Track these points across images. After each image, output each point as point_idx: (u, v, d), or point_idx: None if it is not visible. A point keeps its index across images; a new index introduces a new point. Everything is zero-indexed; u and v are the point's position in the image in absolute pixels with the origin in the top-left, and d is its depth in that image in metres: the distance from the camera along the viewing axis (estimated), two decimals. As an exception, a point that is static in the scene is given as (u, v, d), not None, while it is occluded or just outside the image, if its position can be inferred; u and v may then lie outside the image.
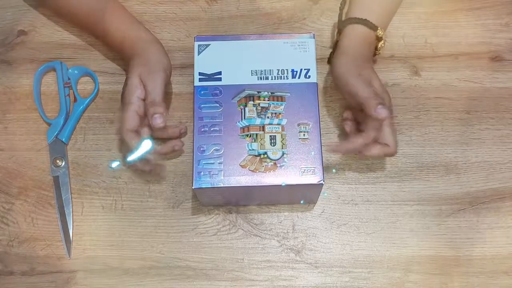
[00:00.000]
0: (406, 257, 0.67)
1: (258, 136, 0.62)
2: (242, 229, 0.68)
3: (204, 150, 0.62)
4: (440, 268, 0.66)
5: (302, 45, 0.66)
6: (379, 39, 0.70)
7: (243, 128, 0.63)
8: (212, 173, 0.61)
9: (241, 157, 0.61)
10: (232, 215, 0.69)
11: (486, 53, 0.76)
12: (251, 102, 0.64)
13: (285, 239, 0.68)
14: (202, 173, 0.61)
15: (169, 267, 0.66)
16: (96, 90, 0.73)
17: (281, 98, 0.64)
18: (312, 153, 0.62)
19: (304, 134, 0.62)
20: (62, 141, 0.71)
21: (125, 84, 0.67)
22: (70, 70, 0.74)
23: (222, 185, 0.60)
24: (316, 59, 0.66)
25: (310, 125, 0.63)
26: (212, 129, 0.62)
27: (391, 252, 0.67)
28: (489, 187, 0.70)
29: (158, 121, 0.63)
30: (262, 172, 0.61)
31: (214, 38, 0.67)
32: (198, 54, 0.66)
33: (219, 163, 0.61)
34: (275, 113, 0.63)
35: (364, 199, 0.69)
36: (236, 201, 0.68)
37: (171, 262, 0.67)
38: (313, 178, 0.61)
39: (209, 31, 0.77)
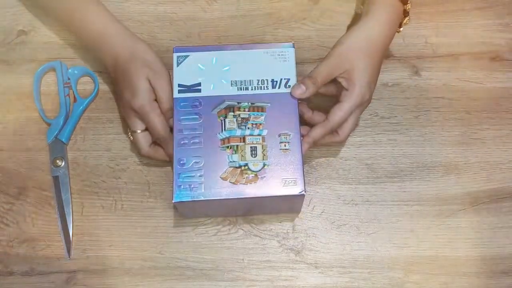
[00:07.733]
0: (406, 257, 0.67)
1: (239, 148, 0.61)
2: (242, 229, 0.68)
3: (184, 163, 0.61)
4: (440, 268, 0.66)
5: (282, 54, 0.65)
6: (406, 13, 0.68)
7: (223, 140, 0.61)
8: (192, 186, 0.60)
9: (222, 169, 0.60)
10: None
11: (486, 53, 0.76)
12: (231, 113, 0.62)
13: (285, 239, 0.68)
14: (182, 187, 0.60)
15: (169, 267, 0.66)
16: (96, 90, 0.73)
17: (261, 109, 0.62)
18: (293, 164, 0.61)
19: (285, 145, 0.61)
20: (62, 141, 0.71)
21: (129, 87, 0.65)
22: (70, 70, 0.74)
23: (202, 198, 0.59)
24: (296, 69, 0.65)
25: (291, 136, 0.62)
26: (192, 141, 0.61)
27: (391, 252, 0.67)
28: (489, 187, 0.70)
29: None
30: (243, 184, 0.60)
31: (193, 49, 0.65)
32: (177, 66, 0.65)
33: (199, 176, 0.60)
34: (256, 124, 0.62)
35: (364, 199, 0.69)
36: (219, 213, 0.68)
37: (171, 262, 0.67)
38: (294, 189, 0.60)
39: (209, 31, 0.77)
